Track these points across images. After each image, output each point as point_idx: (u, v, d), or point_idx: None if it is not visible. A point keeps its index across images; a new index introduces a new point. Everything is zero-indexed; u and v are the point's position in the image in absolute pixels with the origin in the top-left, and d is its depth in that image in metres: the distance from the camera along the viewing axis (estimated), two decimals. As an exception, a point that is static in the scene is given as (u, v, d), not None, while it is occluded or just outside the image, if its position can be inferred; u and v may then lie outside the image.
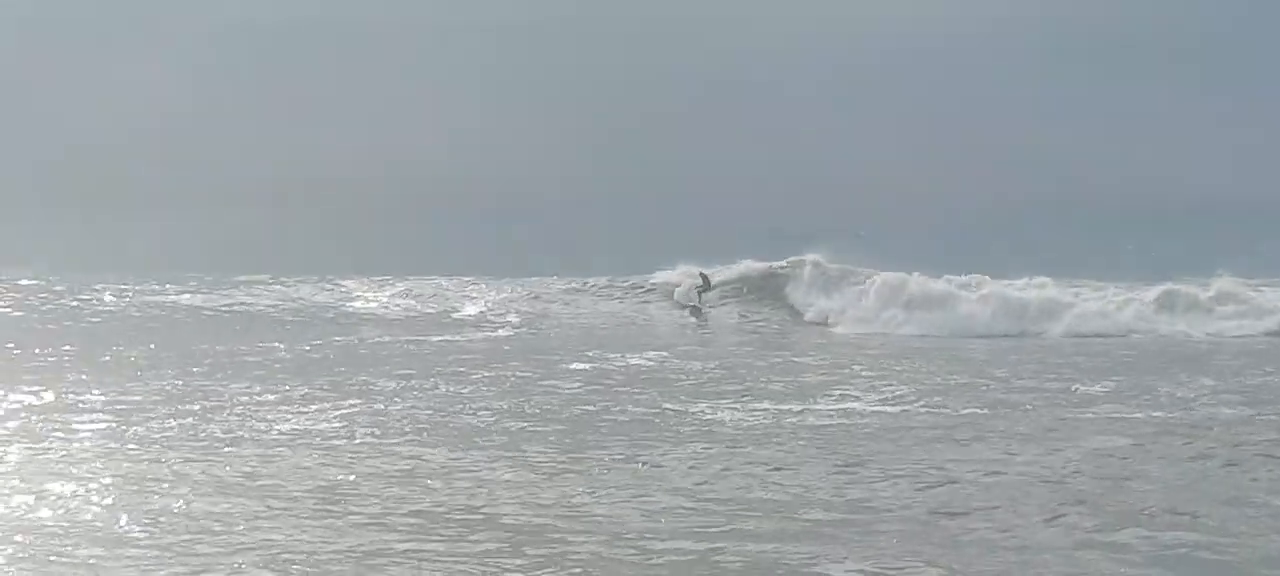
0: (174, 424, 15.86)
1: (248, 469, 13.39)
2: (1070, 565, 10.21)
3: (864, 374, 21.87)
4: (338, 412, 16.82)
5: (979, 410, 17.80)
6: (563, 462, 13.95)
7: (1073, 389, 19.87)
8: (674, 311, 34.22)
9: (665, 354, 24.55)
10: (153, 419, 16.16)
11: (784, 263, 35.70)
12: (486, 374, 20.96)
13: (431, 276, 37.16)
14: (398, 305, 33.15)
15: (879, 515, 11.73)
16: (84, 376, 19.69)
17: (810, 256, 35.81)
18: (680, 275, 35.66)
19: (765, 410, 17.58)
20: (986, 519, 11.60)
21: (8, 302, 31.04)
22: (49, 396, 17.70)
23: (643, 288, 36.36)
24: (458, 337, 26.96)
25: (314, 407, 17.15)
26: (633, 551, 10.68)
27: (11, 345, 23.84)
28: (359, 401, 17.71)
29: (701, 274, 35.08)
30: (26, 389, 18.26)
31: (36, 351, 22.98)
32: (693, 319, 32.85)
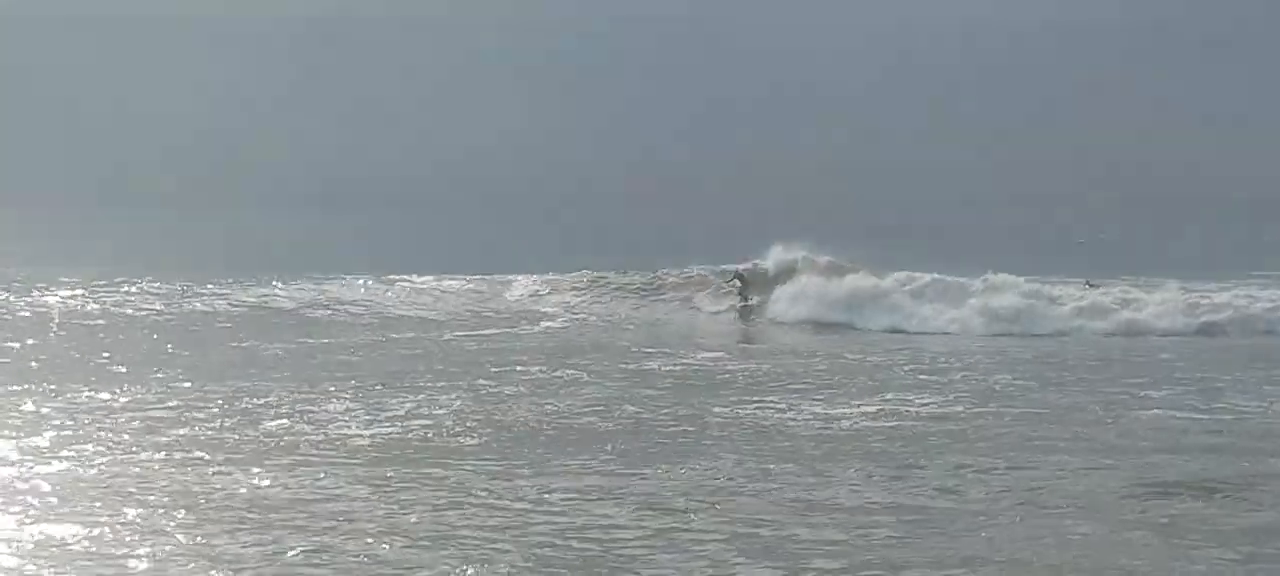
0: (240, 432, 16.00)
1: (315, 474, 13.51)
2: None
3: (922, 376, 21.75)
4: (390, 416, 16.90)
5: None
6: (614, 471, 13.97)
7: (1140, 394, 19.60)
8: (710, 309, 33.87)
9: (720, 354, 24.50)
10: (225, 423, 16.32)
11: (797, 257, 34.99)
12: (538, 371, 20.97)
13: (481, 273, 37.16)
14: (449, 302, 33.18)
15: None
16: (160, 375, 19.91)
17: (799, 254, 35.02)
18: (709, 290, 35.19)
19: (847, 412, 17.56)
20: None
21: (80, 301, 31.31)
22: (106, 396, 17.92)
23: (687, 281, 36.02)
24: (508, 334, 27.04)
25: (367, 410, 17.25)
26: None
27: (81, 345, 24.11)
28: (419, 398, 17.82)
29: (737, 275, 34.59)
30: (86, 389, 18.47)
31: (103, 356, 23.19)
32: (739, 320, 32.67)
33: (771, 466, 13.88)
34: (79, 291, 32.30)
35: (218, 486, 12.82)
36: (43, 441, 14.80)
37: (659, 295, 35.07)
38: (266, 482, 12.97)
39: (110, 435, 15.22)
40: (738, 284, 34.34)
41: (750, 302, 33.87)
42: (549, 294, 34.75)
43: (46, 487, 12.68)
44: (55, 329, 26.51)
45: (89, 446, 14.55)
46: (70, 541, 10.98)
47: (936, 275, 32.95)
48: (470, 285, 35.56)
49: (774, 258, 35.26)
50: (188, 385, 18.99)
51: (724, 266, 35.64)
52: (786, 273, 34.47)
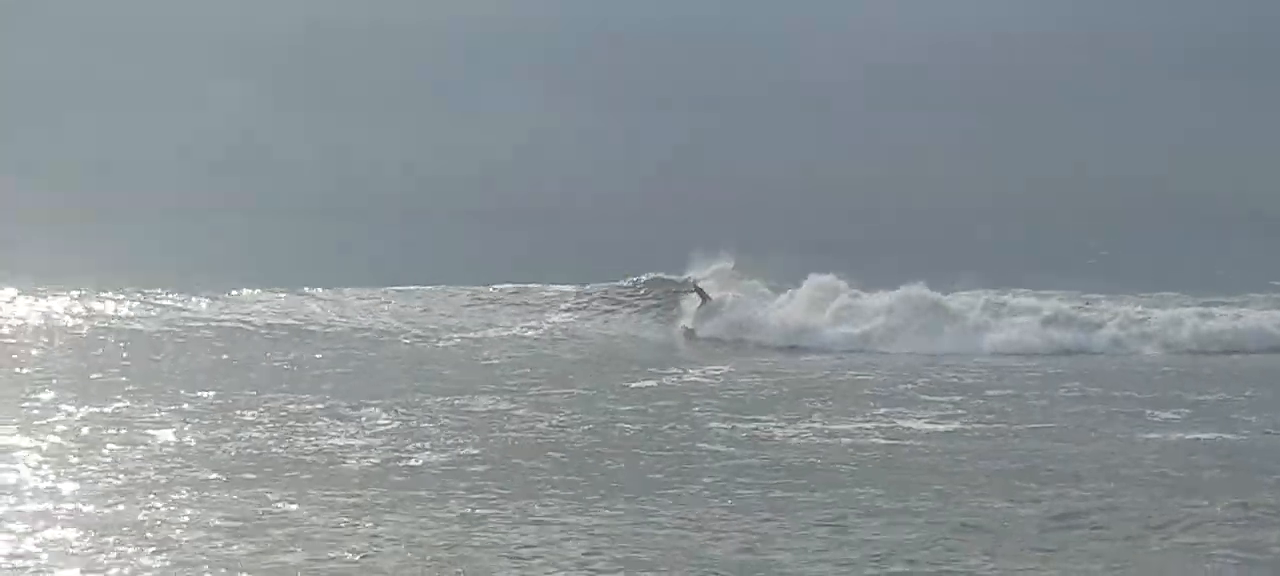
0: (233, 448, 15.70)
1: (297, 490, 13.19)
2: None
3: (922, 396, 21.37)
4: (379, 428, 16.59)
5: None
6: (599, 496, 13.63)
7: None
8: (679, 321, 33.09)
9: (697, 370, 24.19)
10: (226, 439, 15.99)
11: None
12: (522, 387, 20.65)
13: (467, 285, 36.87)
14: (440, 315, 32.91)
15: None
16: (152, 388, 19.71)
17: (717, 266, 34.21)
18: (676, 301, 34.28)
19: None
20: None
21: (81, 315, 31.06)
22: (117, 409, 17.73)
23: (672, 289, 35.46)
24: (483, 346, 26.80)
25: (337, 427, 16.92)
26: None
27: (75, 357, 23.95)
28: (406, 414, 17.50)
29: (696, 288, 33.51)
30: (95, 404, 18.20)
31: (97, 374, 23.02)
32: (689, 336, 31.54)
33: (774, 491, 13.46)
34: (67, 300, 32.18)
35: (183, 503, 12.51)
36: (35, 458, 14.47)
37: (629, 307, 34.48)
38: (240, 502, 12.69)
39: (108, 451, 14.87)
40: (698, 302, 33.20)
41: (698, 323, 32.56)
42: (526, 307, 34.36)
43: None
44: (48, 339, 26.53)
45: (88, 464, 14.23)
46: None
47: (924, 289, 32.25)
48: (448, 296, 35.29)
49: (711, 269, 34.40)
50: (168, 397, 18.80)
51: (689, 276, 34.73)
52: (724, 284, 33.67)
